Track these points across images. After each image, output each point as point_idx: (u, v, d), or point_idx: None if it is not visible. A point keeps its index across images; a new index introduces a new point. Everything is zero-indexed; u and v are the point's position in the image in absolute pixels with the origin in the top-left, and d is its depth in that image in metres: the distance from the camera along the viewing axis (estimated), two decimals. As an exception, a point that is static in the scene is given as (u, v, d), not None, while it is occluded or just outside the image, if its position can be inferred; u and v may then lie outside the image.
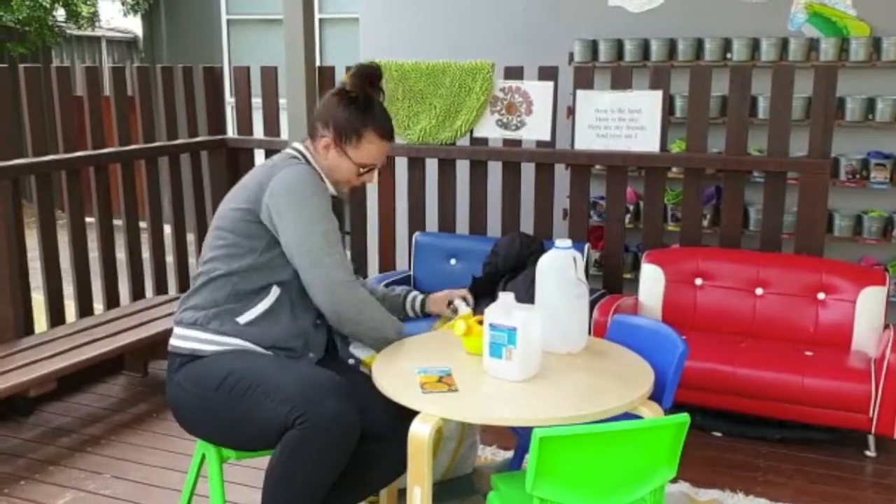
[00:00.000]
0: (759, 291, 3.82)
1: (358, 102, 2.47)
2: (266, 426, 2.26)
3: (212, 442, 2.47)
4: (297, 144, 2.55)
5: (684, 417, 1.99)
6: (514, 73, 4.42)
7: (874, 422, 3.33)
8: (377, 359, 2.49)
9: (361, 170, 2.51)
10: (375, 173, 2.57)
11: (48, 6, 9.28)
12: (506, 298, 2.42)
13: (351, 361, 2.60)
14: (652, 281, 3.96)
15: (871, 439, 3.46)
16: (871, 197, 4.99)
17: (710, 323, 3.86)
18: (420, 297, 2.80)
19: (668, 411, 2.50)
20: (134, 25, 12.10)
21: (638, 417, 2.27)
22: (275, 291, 2.42)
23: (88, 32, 11.51)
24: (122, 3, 10.45)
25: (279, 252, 2.41)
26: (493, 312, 2.36)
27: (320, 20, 9.92)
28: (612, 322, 2.87)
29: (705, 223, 4.98)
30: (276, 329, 2.41)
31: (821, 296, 3.72)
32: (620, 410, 2.22)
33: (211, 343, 2.38)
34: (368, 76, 2.49)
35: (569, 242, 2.61)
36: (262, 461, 2.33)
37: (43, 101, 4.10)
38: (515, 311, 2.36)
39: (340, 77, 4.64)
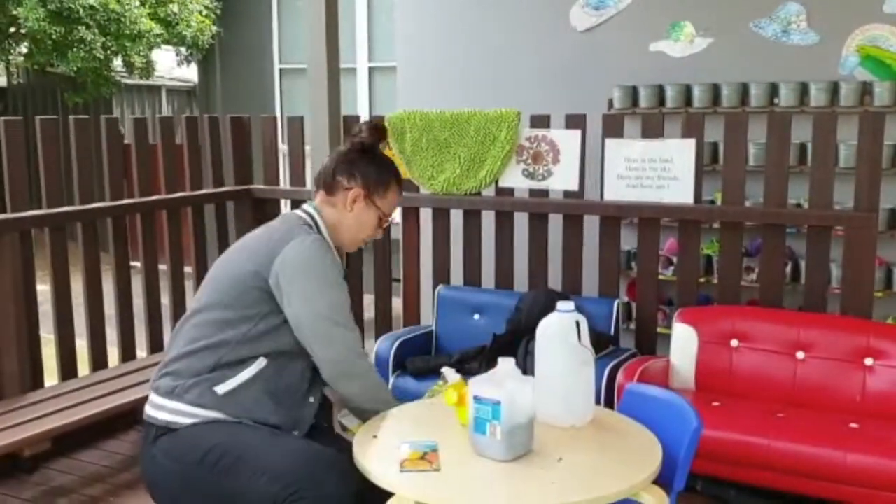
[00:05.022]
0: (800, 355, 3.51)
1: (381, 155, 2.54)
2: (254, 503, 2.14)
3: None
4: (307, 207, 2.49)
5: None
6: (540, 121, 4.24)
7: (927, 505, 2.99)
8: (363, 427, 2.33)
9: (383, 220, 2.52)
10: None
11: (102, 57, 9.46)
12: (504, 365, 2.23)
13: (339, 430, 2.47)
14: (684, 342, 3.68)
15: (925, 524, 3.10)
16: (935, 250, 4.64)
17: (746, 389, 3.55)
18: None
19: (682, 494, 2.27)
20: (194, 75, 12.34)
21: (639, 504, 2.05)
22: (259, 363, 2.30)
23: (148, 82, 11.74)
24: (177, 54, 10.62)
25: (275, 323, 2.31)
26: (478, 382, 2.17)
27: (370, 69, 9.94)
28: (625, 391, 2.64)
29: (753, 276, 4.68)
30: (257, 404, 2.28)
31: (868, 361, 3.39)
32: (617, 497, 1.99)
33: (187, 416, 2.26)
34: (381, 130, 2.56)
35: (571, 305, 2.41)
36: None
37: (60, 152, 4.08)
38: (506, 381, 2.16)
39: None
